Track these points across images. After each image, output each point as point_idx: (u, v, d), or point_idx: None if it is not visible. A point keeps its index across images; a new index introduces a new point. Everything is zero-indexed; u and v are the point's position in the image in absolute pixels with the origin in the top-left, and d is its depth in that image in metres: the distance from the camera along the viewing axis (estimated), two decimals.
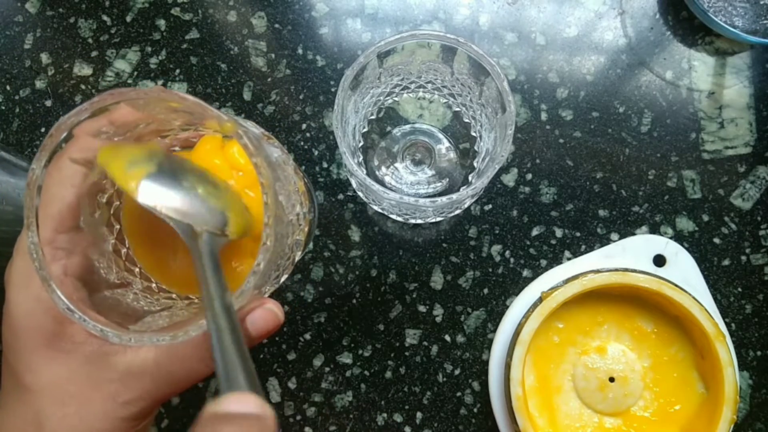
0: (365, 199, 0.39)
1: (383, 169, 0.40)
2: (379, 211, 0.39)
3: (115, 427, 0.23)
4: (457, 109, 0.39)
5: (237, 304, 0.20)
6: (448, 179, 0.40)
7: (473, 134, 0.39)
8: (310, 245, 0.40)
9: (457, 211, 0.37)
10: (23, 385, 0.23)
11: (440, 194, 0.39)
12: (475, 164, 0.39)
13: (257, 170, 0.20)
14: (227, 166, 0.25)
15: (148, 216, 0.24)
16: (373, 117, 0.40)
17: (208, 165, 0.25)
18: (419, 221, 0.39)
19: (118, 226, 0.26)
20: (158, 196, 0.21)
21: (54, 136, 0.21)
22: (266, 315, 0.25)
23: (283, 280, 0.26)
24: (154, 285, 0.26)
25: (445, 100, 0.38)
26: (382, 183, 0.40)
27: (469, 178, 0.39)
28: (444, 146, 0.40)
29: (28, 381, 0.23)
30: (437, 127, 0.41)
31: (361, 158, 0.39)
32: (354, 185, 0.38)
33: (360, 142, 0.39)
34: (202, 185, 0.22)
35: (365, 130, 0.40)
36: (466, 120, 0.39)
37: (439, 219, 0.39)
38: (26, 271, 0.22)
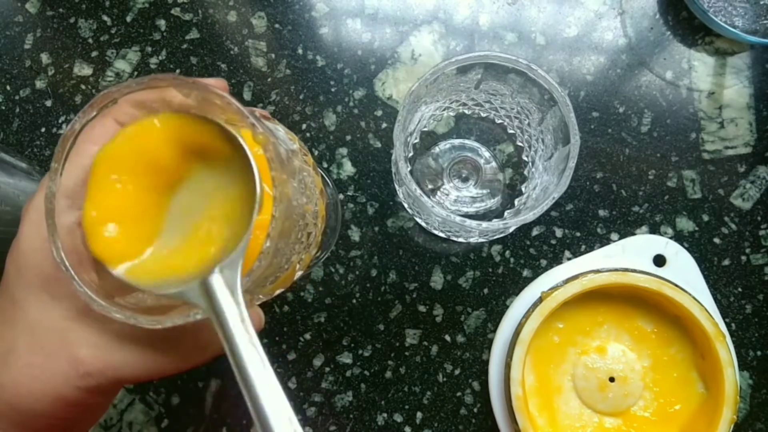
0: (409, 211, 0.39)
1: (427, 182, 0.40)
2: (422, 223, 0.39)
3: (72, 394, 0.23)
4: (512, 131, 0.38)
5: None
6: (491, 200, 0.40)
7: (524, 158, 0.39)
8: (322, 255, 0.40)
9: (500, 235, 0.37)
10: (10, 319, 0.23)
11: (483, 216, 0.40)
12: (523, 189, 0.39)
13: (274, 183, 0.20)
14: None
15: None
16: (425, 129, 0.40)
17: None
18: (461, 240, 0.39)
19: None
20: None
21: (102, 99, 0.21)
22: (251, 316, 0.25)
23: (276, 293, 0.26)
24: None
25: (500, 121, 0.38)
26: (426, 196, 0.40)
27: (515, 203, 0.39)
28: (491, 166, 0.40)
29: (17, 316, 0.23)
30: (487, 146, 0.41)
31: (410, 168, 0.39)
32: (400, 195, 0.38)
33: (410, 153, 0.39)
34: (208, 222, 0.22)
35: (416, 141, 0.40)
36: (519, 144, 0.39)
37: (481, 240, 0.39)
38: (42, 209, 0.22)
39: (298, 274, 0.27)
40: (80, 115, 0.21)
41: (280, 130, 0.25)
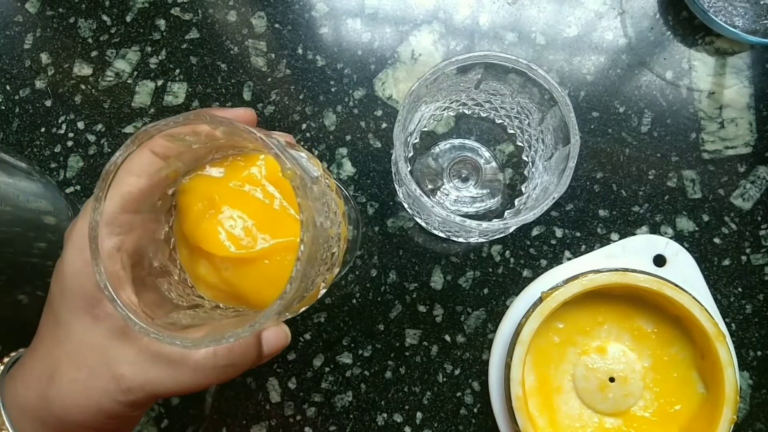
0: (409, 211, 0.39)
1: (427, 182, 0.40)
2: (421, 223, 0.39)
3: (113, 408, 0.24)
4: (512, 131, 0.38)
5: (259, 326, 0.21)
6: (491, 200, 0.40)
7: (524, 158, 0.39)
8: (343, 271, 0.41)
9: (500, 235, 0.37)
10: (56, 337, 0.25)
11: (483, 216, 0.40)
12: (523, 189, 0.39)
13: (301, 210, 0.21)
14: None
15: (190, 226, 0.26)
16: (425, 129, 0.40)
17: (276, 176, 0.26)
18: (461, 240, 0.39)
19: (173, 218, 0.27)
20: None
21: (142, 136, 0.22)
22: (279, 332, 0.27)
23: (301, 311, 0.27)
24: (188, 278, 0.27)
25: (500, 121, 0.38)
26: (426, 196, 0.40)
27: (515, 203, 0.39)
28: (491, 166, 0.40)
29: (61, 335, 0.25)
30: (487, 146, 0.41)
31: (410, 168, 0.39)
32: (400, 195, 0.38)
33: (410, 153, 0.39)
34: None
35: (416, 141, 0.40)
36: (519, 144, 0.39)
37: (481, 240, 0.39)
38: (85, 235, 0.24)
39: (322, 292, 0.27)
40: (123, 149, 0.22)
41: (304, 157, 0.26)
